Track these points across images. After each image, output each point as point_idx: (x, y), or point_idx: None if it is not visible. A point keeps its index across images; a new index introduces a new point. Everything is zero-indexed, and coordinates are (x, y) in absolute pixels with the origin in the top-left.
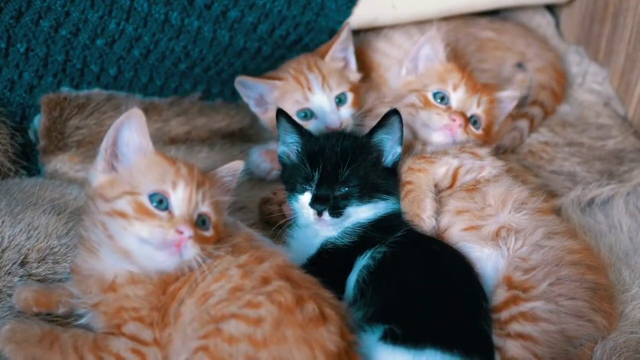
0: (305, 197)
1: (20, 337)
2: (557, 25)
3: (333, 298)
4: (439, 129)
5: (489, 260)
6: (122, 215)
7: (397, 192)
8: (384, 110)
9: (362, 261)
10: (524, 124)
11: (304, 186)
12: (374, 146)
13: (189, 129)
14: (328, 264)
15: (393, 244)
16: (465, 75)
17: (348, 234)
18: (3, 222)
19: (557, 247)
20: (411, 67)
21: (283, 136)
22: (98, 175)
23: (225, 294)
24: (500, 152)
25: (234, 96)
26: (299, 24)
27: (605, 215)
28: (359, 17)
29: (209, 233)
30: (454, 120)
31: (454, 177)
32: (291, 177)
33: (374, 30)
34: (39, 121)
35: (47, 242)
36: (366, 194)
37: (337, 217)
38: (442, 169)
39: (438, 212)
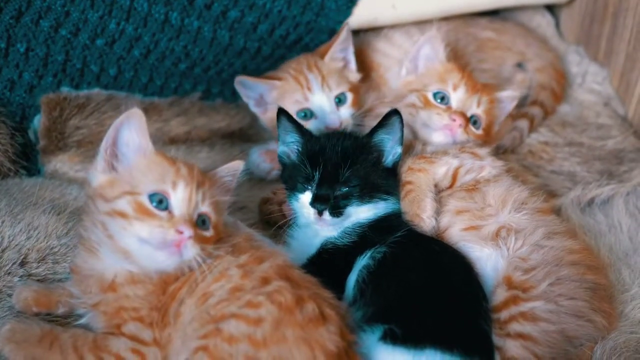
0: (306, 197)
1: (20, 337)
2: (557, 25)
3: (333, 298)
4: (439, 129)
5: (488, 260)
6: (122, 215)
7: (397, 192)
8: (384, 110)
9: (362, 261)
10: (524, 124)
11: (305, 185)
12: (375, 146)
13: (189, 129)
14: (328, 264)
15: (393, 244)
16: (465, 75)
17: (348, 234)
18: (3, 222)
19: (557, 247)
20: (411, 67)
21: (283, 136)
22: (98, 175)
23: (225, 294)
24: (500, 152)
25: (234, 96)
26: (299, 24)
27: (605, 215)
28: (358, 17)
29: (209, 233)
30: (454, 120)
31: (454, 177)
32: (291, 177)
33: (374, 30)
34: (39, 121)
35: (47, 242)
36: (366, 194)
37: (338, 216)
38: (442, 169)
39: (438, 212)
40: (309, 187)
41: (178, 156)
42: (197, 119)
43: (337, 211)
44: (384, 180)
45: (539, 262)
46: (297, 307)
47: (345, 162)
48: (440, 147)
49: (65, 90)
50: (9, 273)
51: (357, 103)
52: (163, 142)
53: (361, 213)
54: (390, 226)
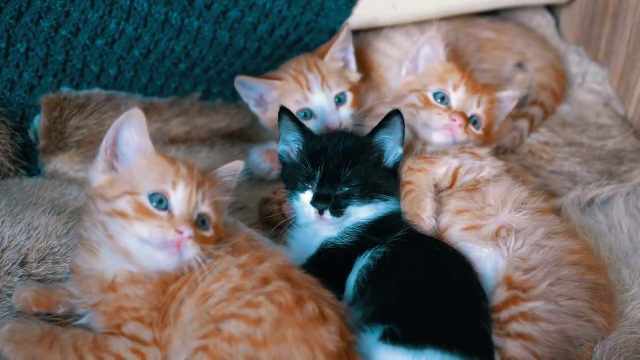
0: (307, 196)
1: (20, 337)
2: (557, 25)
3: (333, 298)
4: (439, 128)
5: (488, 260)
6: (122, 215)
7: (398, 193)
8: (384, 110)
9: (362, 261)
10: (523, 124)
11: (306, 184)
12: (376, 146)
13: (189, 129)
14: (328, 264)
15: (393, 244)
16: (465, 75)
17: (348, 234)
18: (3, 222)
19: (557, 247)
20: (411, 67)
21: (284, 134)
22: (98, 175)
23: (225, 294)
24: (500, 152)
25: (234, 96)
26: (299, 24)
27: (605, 215)
28: (358, 17)
29: (209, 233)
30: (454, 120)
31: (454, 177)
32: (292, 176)
33: (374, 30)
34: (39, 121)
35: (46, 242)
36: (367, 194)
37: (338, 216)
38: (442, 169)
39: (438, 212)
40: (310, 187)
41: (178, 156)
42: (197, 119)
43: (337, 210)
44: (385, 181)
45: (539, 262)
46: (297, 307)
47: (347, 161)
48: (440, 147)
49: (65, 90)
50: (9, 273)
51: (357, 103)
52: (163, 142)
53: (361, 213)
54: (390, 226)
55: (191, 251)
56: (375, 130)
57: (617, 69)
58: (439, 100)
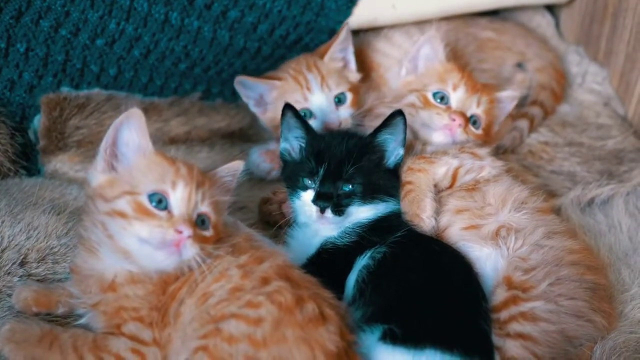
0: (308, 195)
1: (19, 337)
2: (557, 25)
3: (333, 298)
4: (438, 128)
5: (488, 259)
6: (122, 215)
7: (398, 194)
8: (383, 110)
9: (362, 261)
10: (523, 124)
11: (308, 183)
12: (378, 146)
13: (189, 129)
14: (328, 264)
15: (393, 244)
16: (465, 75)
17: (348, 234)
18: (3, 222)
19: (556, 247)
20: (411, 67)
21: (286, 132)
22: (97, 175)
23: (225, 294)
24: (500, 152)
25: (234, 96)
26: (299, 24)
27: (604, 215)
28: (358, 17)
29: (208, 233)
30: (454, 120)
31: (454, 177)
32: (294, 174)
33: (374, 30)
34: (38, 121)
35: (46, 242)
36: (368, 195)
37: (340, 215)
38: (442, 169)
39: (438, 212)
40: (312, 185)
41: (178, 156)
42: (197, 119)
43: (339, 210)
44: (386, 181)
45: (538, 262)
46: (297, 307)
47: (349, 160)
48: (440, 147)
49: (65, 90)
50: (9, 273)
51: (357, 103)
52: (163, 142)
53: (362, 213)
54: (390, 226)
55: (191, 251)
56: (378, 130)
57: (617, 69)
58: (438, 100)
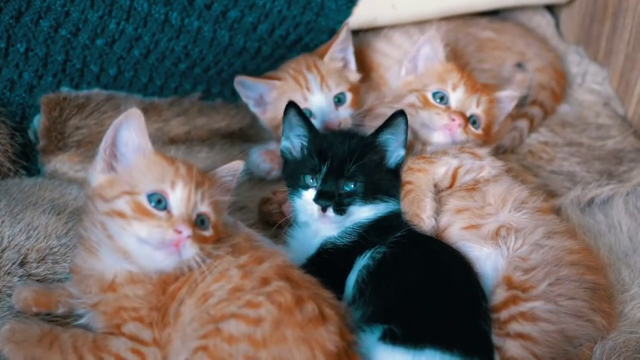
0: (310, 193)
1: (19, 337)
2: (557, 25)
3: (333, 298)
4: (438, 128)
5: (488, 259)
6: (121, 215)
7: (398, 194)
8: (383, 110)
9: (362, 261)
10: (523, 124)
11: (309, 181)
12: (379, 146)
13: (188, 129)
14: (328, 264)
15: (393, 244)
16: (464, 75)
17: (348, 234)
18: (3, 222)
19: (556, 246)
20: (411, 67)
21: (288, 130)
22: (97, 175)
23: (225, 294)
24: (500, 152)
25: (234, 96)
26: (299, 24)
27: (604, 215)
28: (358, 17)
29: (208, 233)
30: (453, 120)
31: (454, 177)
32: (295, 173)
33: (374, 30)
34: (38, 121)
35: (46, 242)
36: (369, 194)
37: (341, 214)
38: (441, 169)
39: (438, 212)
40: (313, 184)
41: (178, 156)
42: (197, 119)
43: (340, 209)
44: (387, 181)
45: (538, 262)
46: (297, 307)
47: (351, 158)
48: (440, 147)
49: (65, 90)
50: (9, 273)
51: (357, 103)
52: (163, 142)
53: (363, 213)
54: (390, 226)
55: (190, 251)
56: (379, 130)
57: (616, 69)
58: (438, 100)
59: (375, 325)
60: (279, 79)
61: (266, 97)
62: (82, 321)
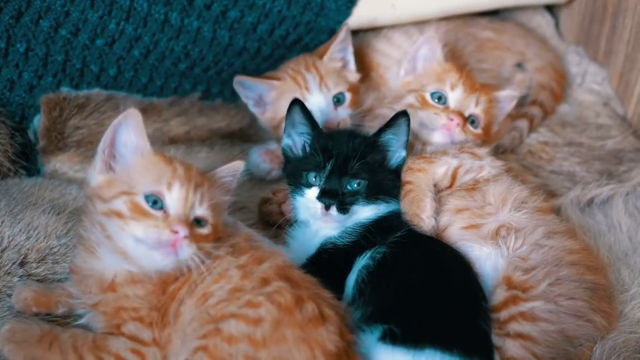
0: (312, 192)
1: (19, 337)
2: (557, 25)
3: (332, 298)
4: (437, 128)
5: (488, 259)
6: (119, 215)
7: (399, 194)
8: (383, 111)
9: (362, 261)
10: (523, 124)
11: (312, 179)
12: (381, 146)
13: (188, 129)
14: (327, 264)
15: (393, 244)
16: (463, 75)
17: (348, 234)
18: (3, 222)
19: (556, 246)
20: (409, 68)
21: (290, 128)
22: (96, 175)
23: (225, 294)
24: (499, 152)
25: (234, 96)
26: (299, 24)
27: (604, 215)
28: (358, 17)
29: (206, 230)
30: (452, 119)
31: (454, 177)
32: (297, 170)
33: (374, 30)
34: (38, 121)
35: (46, 242)
36: (372, 194)
37: (344, 213)
38: (441, 169)
39: (437, 212)
40: (316, 183)
41: (178, 156)
42: (196, 119)
43: (343, 208)
44: (388, 182)
45: (538, 262)
46: (297, 307)
47: (355, 156)
48: (440, 147)
49: (65, 90)
50: (9, 273)
51: (356, 103)
52: (163, 142)
53: (364, 213)
54: (390, 226)
55: (187, 251)
56: (382, 129)
57: (616, 69)
58: (436, 100)
59: (375, 325)
60: (278, 79)
61: (265, 97)
62: (82, 321)
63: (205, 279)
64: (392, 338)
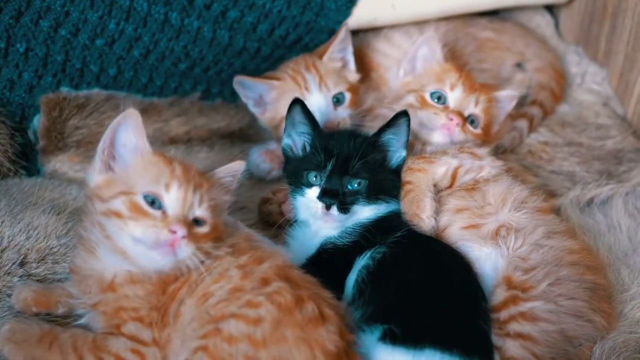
0: (313, 191)
1: (19, 337)
2: (557, 25)
3: (332, 298)
4: (436, 128)
5: (488, 259)
6: (117, 215)
7: (399, 194)
8: (383, 111)
9: (362, 261)
10: (523, 124)
11: (313, 179)
12: (382, 146)
13: (188, 129)
14: (327, 264)
15: (392, 244)
16: (462, 75)
17: (348, 234)
18: (2, 222)
19: (556, 246)
20: (409, 68)
21: (290, 128)
22: (95, 175)
23: (225, 295)
24: (499, 152)
25: (234, 96)
26: (299, 24)
27: (604, 215)
28: (358, 17)
29: (205, 229)
30: (451, 119)
31: (453, 177)
32: (297, 170)
33: (374, 30)
34: (38, 121)
35: (46, 242)
36: (373, 194)
37: (345, 213)
38: (441, 169)
39: (437, 212)
40: (317, 182)
41: (178, 156)
42: (196, 119)
43: (344, 207)
44: (389, 182)
45: (538, 262)
46: (297, 307)
47: (356, 155)
48: (440, 147)
49: (64, 90)
50: (9, 273)
51: (356, 103)
52: (163, 142)
53: (364, 213)
54: (390, 226)
55: (186, 251)
56: (383, 129)
57: (616, 69)
58: (435, 100)
59: (375, 325)
60: (277, 79)
61: (265, 97)
62: (82, 321)
63: (205, 279)
64: (392, 338)
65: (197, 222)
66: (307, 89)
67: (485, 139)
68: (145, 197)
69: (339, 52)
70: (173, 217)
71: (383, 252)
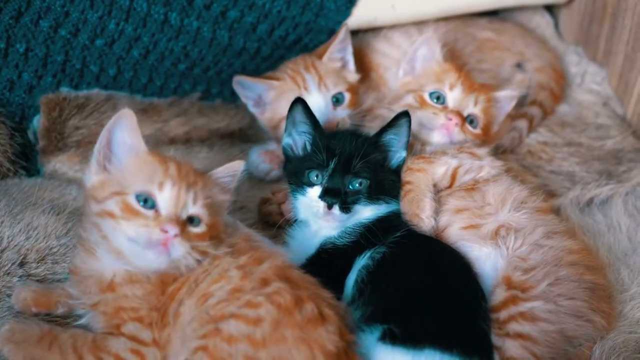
0: (315, 191)
1: (19, 337)
2: (556, 25)
3: (332, 298)
4: (435, 128)
5: (487, 259)
6: (111, 215)
7: (399, 195)
8: (382, 111)
9: (362, 261)
10: (523, 124)
11: (314, 178)
12: (383, 146)
13: (188, 129)
14: (327, 264)
15: (392, 244)
16: (462, 75)
17: (348, 234)
18: (2, 222)
19: (556, 246)
20: (408, 68)
21: (291, 127)
22: (91, 176)
23: (225, 295)
24: (499, 152)
25: (234, 96)
26: (299, 24)
27: (604, 215)
28: (358, 17)
29: (200, 229)
30: (450, 119)
31: (453, 177)
32: (298, 169)
33: (374, 30)
34: (38, 121)
35: (46, 243)
36: (374, 194)
37: (346, 212)
38: (441, 169)
39: (437, 212)
40: (318, 181)
41: (177, 156)
42: (196, 119)
43: (346, 207)
44: (389, 182)
45: (538, 262)
46: (296, 307)
47: (357, 155)
48: (439, 147)
49: (64, 90)
50: (8, 273)
51: (355, 103)
52: (162, 142)
53: (365, 213)
54: (389, 226)
55: (180, 250)
56: (384, 129)
57: (616, 69)
58: (434, 100)
59: (375, 325)
60: (277, 79)
61: (265, 97)
62: (81, 321)
63: (205, 279)
64: (391, 338)
65: (192, 221)
66: (306, 89)
67: (484, 139)
68: (138, 196)
69: (338, 52)
70: (165, 216)
71: (383, 252)
